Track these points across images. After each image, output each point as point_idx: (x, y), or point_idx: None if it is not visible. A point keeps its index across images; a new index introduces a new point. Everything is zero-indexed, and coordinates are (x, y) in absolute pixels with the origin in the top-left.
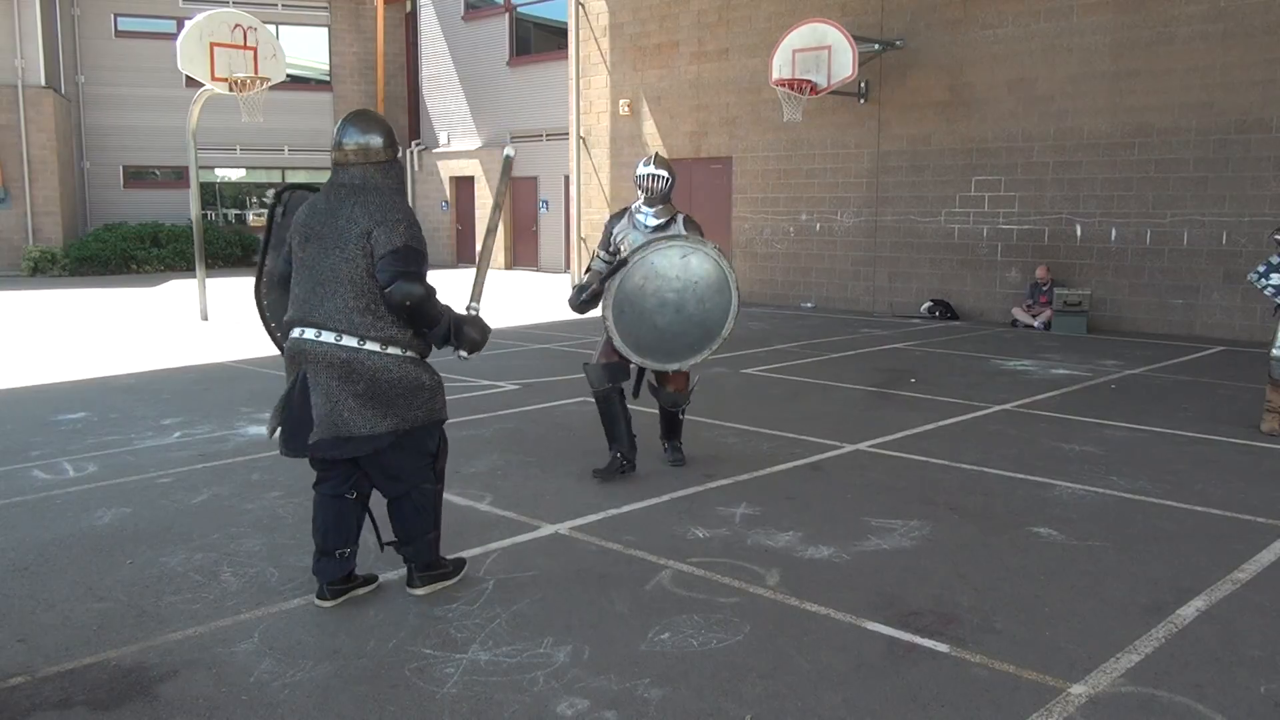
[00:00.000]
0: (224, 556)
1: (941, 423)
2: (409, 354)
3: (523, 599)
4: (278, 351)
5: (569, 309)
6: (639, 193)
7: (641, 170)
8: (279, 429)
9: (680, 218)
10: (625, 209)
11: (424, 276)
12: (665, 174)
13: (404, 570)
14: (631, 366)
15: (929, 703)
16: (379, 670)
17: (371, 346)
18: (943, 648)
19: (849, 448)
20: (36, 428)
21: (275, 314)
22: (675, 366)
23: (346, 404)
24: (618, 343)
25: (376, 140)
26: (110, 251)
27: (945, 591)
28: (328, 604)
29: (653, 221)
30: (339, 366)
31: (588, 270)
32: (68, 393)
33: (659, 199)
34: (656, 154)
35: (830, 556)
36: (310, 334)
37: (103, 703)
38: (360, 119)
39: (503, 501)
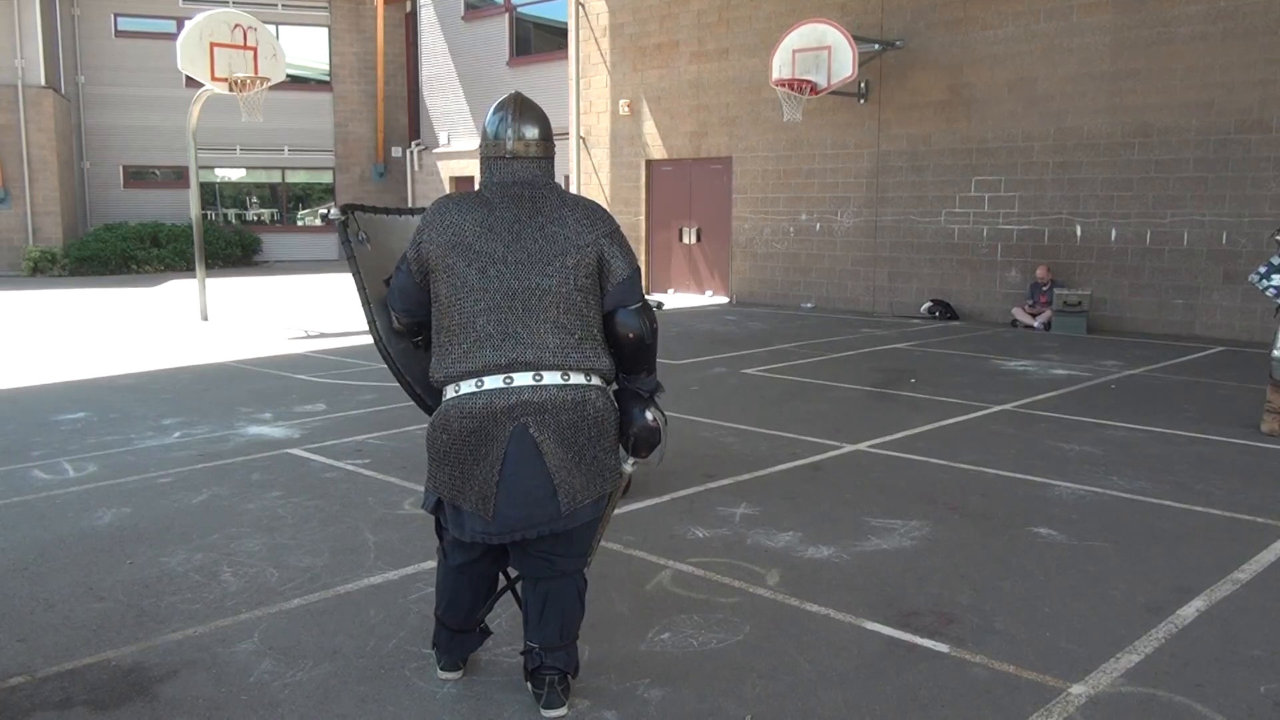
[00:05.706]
0: (224, 556)
1: (941, 423)
2: (611, 390)
3: None
4: (424, 414)
5: None
6: None
7: None
8: (483, 509)
9: None
10: None
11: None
12: None
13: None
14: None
15: (929, 703)
16: (379, 670)
17: (596, 382)
18: (943, 648)
19: (849, 448)
20: (36, 428)
21: (409, 366)
22: None
23: (577, 463)
24: None
25: (549, 130)
26: (110, 251)
27: (945, 591)
28: (454, 675)
29: None
30: (568, 412)
31: None
32: (68, 393)
33: None
34: None
35: (830, 556)
36: (526, 379)
37: (103, 703)
38: (531, 106)
39: None
